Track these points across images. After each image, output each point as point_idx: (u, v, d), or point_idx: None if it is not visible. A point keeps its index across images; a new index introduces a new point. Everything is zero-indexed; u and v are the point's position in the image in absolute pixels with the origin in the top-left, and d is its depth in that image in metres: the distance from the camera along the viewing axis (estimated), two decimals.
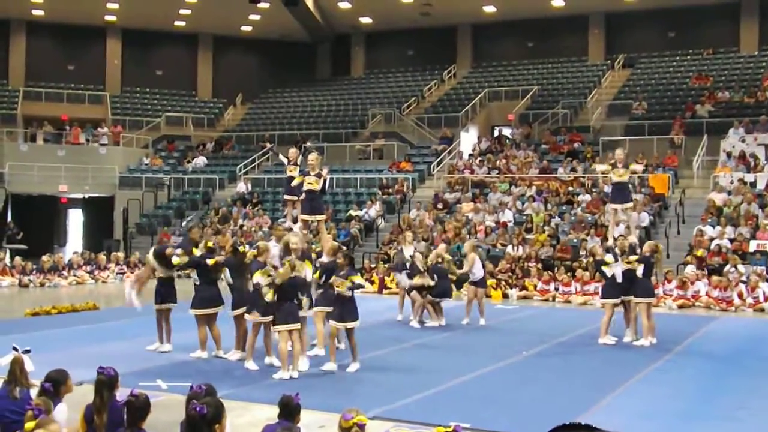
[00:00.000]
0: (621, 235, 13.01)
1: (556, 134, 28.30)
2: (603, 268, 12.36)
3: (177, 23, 36.88)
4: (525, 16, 34.38)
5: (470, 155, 28.50)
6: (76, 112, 34.36)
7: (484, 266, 15.82)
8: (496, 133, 31.70)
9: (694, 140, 25.28)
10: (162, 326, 11.24)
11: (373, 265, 20.97)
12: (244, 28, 37.31)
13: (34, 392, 5.74)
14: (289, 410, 5.24)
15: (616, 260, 12.11)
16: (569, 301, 18.28)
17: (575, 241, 20.53)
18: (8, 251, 23.36)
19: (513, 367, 10.48)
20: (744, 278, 17.57)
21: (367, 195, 26.38)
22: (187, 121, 35.96)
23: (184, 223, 11.93)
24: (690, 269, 18.23)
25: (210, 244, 11.10)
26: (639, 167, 13.46)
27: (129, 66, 38.02)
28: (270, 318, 9.74)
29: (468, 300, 14.83)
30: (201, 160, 32.52)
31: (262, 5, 32.62)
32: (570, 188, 23.92)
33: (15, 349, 6.06)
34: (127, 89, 37.90)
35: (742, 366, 10.73)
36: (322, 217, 12.71)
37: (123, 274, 22.56)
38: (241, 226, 24.76)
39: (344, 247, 12.84)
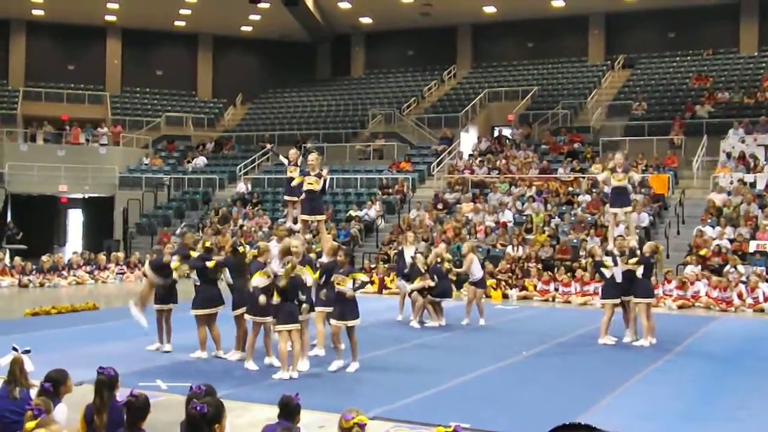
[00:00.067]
0: (620, 236, 12.99)
1: (556, 134, 28.31)
2: (602, 269, 12.38)
3: (177, 23, 36.88)
4: (525, 17, 34.38)
5: (470, 155, 28.50)
6: (76, 112, 34.36)
7: (483, 267, 15.83)
8: (496, 134, 31.70)
9: (693, 141, 25.28)
10: (162, 326, 11.25)
11: (373, 266, 20.97)
12: (244, 28, 37.31)
13: (33, 392, 5.74)
14: (289, 410, 5.24)
15: (615, 264, 12.14)
16: (569, 302, 18.29)
17: (575, 241, 20.53)
18: (8, 251, 23.36)
19: (513, 367, 10.48)
20: (744, 279, 17.57)
21: (367, 195, 26.38)
22: (187, 121, 35.95)
23: (178, 231, 11.91)
24: (690, 269, 18.23)
25: (208, 244, 11.12)
26: (637, 177, 13.43)
27: (129, 66, 38.01)
28: (269, 318, 9.76)
29: (468, 300, 14.84)
30: (201, 160, 32.52)
31: (262, 5, 32.62)
32: (570, 189, 23.93)
33: (15, 349, 6.06)
34: (127, 89, 37.90)
35: (742, 366, 10.73)
36: (322, 217, 12.71)
37: (123, 274, 22.57)
38: (241, 227, 24.76)
39: (344, 247, 12.84)
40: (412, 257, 14.34)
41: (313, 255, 11.15)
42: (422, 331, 13.53)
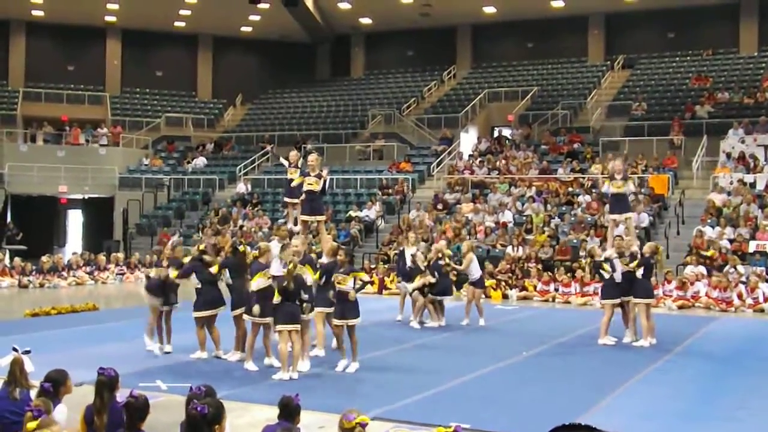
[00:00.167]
0: (618, 236, 12.95)
1: (556, 135, 28.31)
2: (601, 270, 12.38)
3: (177, 24, 36.88)
4: (525, 17, 34.38)
5: (470, 156, 28.50)
6: (76, 113, 34.37)
7: (483, 267, 15.81)
8: (495, 134, 31.71)
9: (693, 141, 25.29)
10: (162, 327, 11.25)
11: (373, 266, 20.97)
12: (243, 28, 37.31)
13: (33, 393, 5.74)
14: (289, 411, 5.24)
15: (614, 270, 12.15)
16: (569, 302, 18.29)
17: (575, 241, 20.53)
18: (8, 252, 23.36)
19: (513, 367, 10.49)
20: (743, 279, 17.57)
21: (367, 196, 26.38)
22: (187, 121, 35.96)
23: (170, 243, 11.95)
24: (690, 269, 18.23)
25: (202, 247, 11.18)
26: (633, 188, 13.40)
27: (129, 66, 38.02)
28: (268, 319, 9.75)
29: (468, 300, 14.84)
30: (201, 161, 32.53)
31: (261, 6, 32.62)
32: (570, 189, 23.93)
33: (15, 349, 6.06)
34: (126, 90, 37.90)
35: (742, 366, 10.74)
36: (322, 217, 12.71)
37: (123, 275, 22.57)
38: (241, 227, 24.75)
39: (344, 247, 12.84)
40: (412, 254, 14.31)
41: (313, 255, 11.15)
42: (422, 332, 13.53)
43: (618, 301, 12.35)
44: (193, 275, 10.83)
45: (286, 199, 13.49)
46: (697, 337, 13.32)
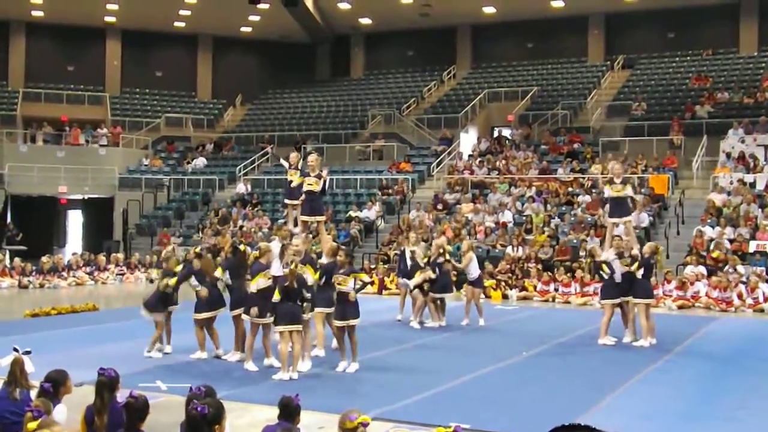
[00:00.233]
0: (617, 236, 12.91)
1: (556, 135, 28.31)
2: (600, 271, 12.38)
3: (177, 24, 36.87)
4: (525, 17, 34.38)
5: (470, 156, 28.50)
6: (76, 113, 34.37)
7: (483, 267, 15.80)
8: (495, 134, 31.70)
9: (693, 141, 25.28)
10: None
11: (372, 266, 20.97)
12: (243, 28, 37.31)
13: (34, 393, 5.74)
14: (289, 411, 5.24)
15: (613, 272, 12.14)
16: (569, 302, 18.29)
17: (575, 241, 20.53)
18: (8, 252, 23.37)
19: (513, 367, 10.49)
20: (743, 279, 17.57)
21: (367, 196, 26.38)
22: (187, 122, 35.95)
23: (163, 253, 12.00)
24: (690, 269, 18.23)
25: (197, 250, 11.21)
26: (630, 191, 13.39)
27: (128, 67, 38.01)
28: (268, 319, 9.75)
29: (467, 300, 14.83)
30: (200, 161, 32.53)
31: (261, 6, 32.61)
32: (570, 189, 23.93)
33: (15, 350, 6.06)
34: (126, 90, 37.90)
35: (742, 366, 10.74)
36: (322, 218, 12.71)
37: (123, 275, 22.57)
38: (241, 227, 24.76)
39: (344, 247, 12.83)
40: (411, 251, 14.28)
41: (313, 255, 11.15)
42: (422, 332, 13.53)
43: (618, 301, 12.35)
44: (193, 277, 10.84)
45: (287, 201, 13.48)
46: (697, 337, 13.32)
